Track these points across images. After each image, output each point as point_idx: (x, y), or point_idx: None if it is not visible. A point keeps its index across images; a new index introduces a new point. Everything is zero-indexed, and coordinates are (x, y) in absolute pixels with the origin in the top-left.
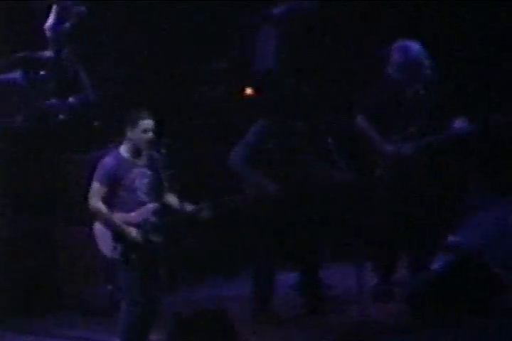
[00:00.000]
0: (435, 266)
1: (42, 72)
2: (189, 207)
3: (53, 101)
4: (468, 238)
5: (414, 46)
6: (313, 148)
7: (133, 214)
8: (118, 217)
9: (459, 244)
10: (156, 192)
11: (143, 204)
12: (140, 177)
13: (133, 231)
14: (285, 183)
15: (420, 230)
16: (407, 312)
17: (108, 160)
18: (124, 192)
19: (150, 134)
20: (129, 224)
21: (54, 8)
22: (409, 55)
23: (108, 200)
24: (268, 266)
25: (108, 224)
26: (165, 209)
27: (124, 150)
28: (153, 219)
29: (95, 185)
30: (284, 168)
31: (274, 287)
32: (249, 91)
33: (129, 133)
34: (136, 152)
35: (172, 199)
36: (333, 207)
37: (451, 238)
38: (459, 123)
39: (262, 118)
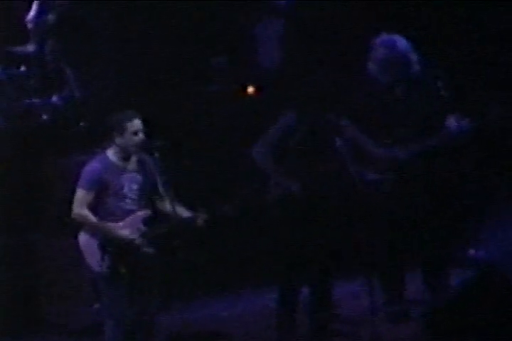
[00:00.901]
0: (455, 282)
1: (23, 68)
2: (186, 213)
3: (35, 99)
4: (491, 252)
5: (399, 40)
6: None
7: (122, 223)
8: (106, 225)
9: (481, 258)
10: (146, 199)
11: (130, 212)
12: (129, 183)
13: (127, 234)
14: (309, 183)
15: (428, 242)
16: (423, 333)
17: (94, 165)
18: (111, 200)
19: (141, 136)
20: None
21: None
22: (394, 51)
23: (93, 208)
24: (290, 280)
25: (96, 233)
26: (156, 217)
27: (111, 153)
28: (144, 228)
29: (80, 192)
30: (310, 167)
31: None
32: (251, 89)
33: (118, 139)
34: (125, 155)
35: (167, 206)
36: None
37: (471, 252)
38: (454, 121)
39: (291, 111)
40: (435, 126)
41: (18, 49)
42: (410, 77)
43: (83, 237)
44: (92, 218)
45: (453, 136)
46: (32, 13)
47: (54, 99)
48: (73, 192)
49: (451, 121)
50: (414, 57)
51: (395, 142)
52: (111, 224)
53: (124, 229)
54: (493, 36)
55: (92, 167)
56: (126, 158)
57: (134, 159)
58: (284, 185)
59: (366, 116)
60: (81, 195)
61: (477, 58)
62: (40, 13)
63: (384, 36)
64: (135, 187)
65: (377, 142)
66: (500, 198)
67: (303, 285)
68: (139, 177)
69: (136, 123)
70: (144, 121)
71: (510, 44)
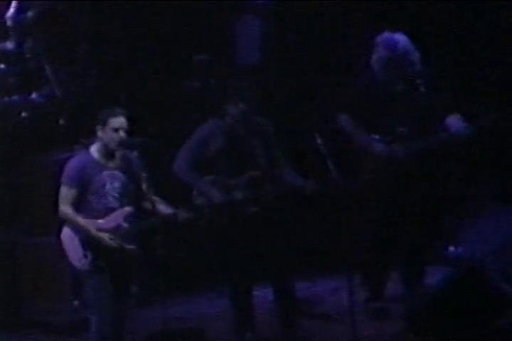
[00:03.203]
0: (435, 279)
1: (2, 66)
2: (167, 210)
3: (15, 97)
4: (470, 249)
5: (401, 39)
6: (272, 150)
7: (103, 220)
8: (87, 223)
9: (460, 255)
10: (128, 196)
11: (113, 210)
12: (111, 181)
13: (105, 237)
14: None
15: (411, 240)
16: (403, 330)
17: (76, 161)
18: (93, 197)
19: (122, 133)
20: (100, 231)
21: None
22: (395, 50)
23: (76, 205)
24: (243, 281)
25: (77, 230)
26: (139, 213)
27: (94, 150)
28: (125, 225)
29: (64, 189)
30: (236, 174)
31: (252, 304)
32: None
33: (99, 133)
34: (108, 152)
35: (149, 203)
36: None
37: (451, 249)
38: (453, 122)
39: (212, 117)
40: (434, 125)
41: None
42: (411, 76)
43: (66, 233)
44: (74, 215)
45: (454, 137)
46: (12, 10)
47: (33, 96)
48: (54, 189)
49: (453, 122)
50: (415, 56)
51: (393, 140)
52: (92, 221)
53: (106, 227)
54: (495, 38)
55: (74, 163)
56: (108, 154)
57: (118, 156)
58: (206, 195)
59: (363, 112)
60: (64, 191)
61: (478, 59)
62: (19, 10)
63: (385, 34)
64: (117, 184)
65: (376, 139)
66: (480, 195)
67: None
68: (120, 175)
69: (120, 121)
70: (129, 120)
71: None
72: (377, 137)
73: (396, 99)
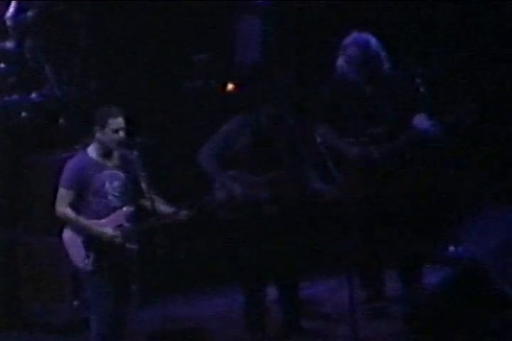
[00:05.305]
0: (434, 279)
1: (2, 65)
2: (167, 210)
3: (15, 97)
4: (470, 249)
5: (371, 39)
6: (294, 148)
7: (104, 220)
8: (88, 224)
9: (460, 255)
10: (129, 195)
11: (114, 209)
12: (110, 180)
13: (108, 231)
14: (256, 188)
15: (401, 240)
16: (403, 330)
17: (74, 162)
18: (93, 197)
19: (121, 134)
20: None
21: None
22: (368, 48)
23: (76, 206)
24: (255, 281)
25: (79, 231)
26: (140, 213)
27: (92, 150)
28: (127, 224)
29: (61, 190)
30: (258, 170)
31: (264, 303)
32: (230, 86)
33: (98, 134)
34: (106, 152)
35: (149, 202)
36: (309, 217)
37: (451, 249)
38: (420, 121)
39: (240, 113)
40: (405, 125)
41: None
42: (381, 75)
43: (67, 234)
44: (74, 216)
45: (420, 135)
46: (11, 9)
47: (33, 96)
48: (54, 189)
49: (418, 121)
50: (384, 55)
51: (369, 141)
52: (93, 222)
53: (107, 227)
54: (462, 36)
55: (71, 165)
56: (107, 154)
57: (116, 156)
58: (227, 189)
59: (338, 115)
60: (62, 193)
61: (452, 57)
62: (19, 10)
63: (356, 34)
64: (116, 184)
65: (350, 142)
66: (479, 195)
67: (267, 285)
68: (120, 174)
69: (119, 121)
70: (127, 119)
71: (487, 44)
72: (352, 140)
73: (367, 100)
